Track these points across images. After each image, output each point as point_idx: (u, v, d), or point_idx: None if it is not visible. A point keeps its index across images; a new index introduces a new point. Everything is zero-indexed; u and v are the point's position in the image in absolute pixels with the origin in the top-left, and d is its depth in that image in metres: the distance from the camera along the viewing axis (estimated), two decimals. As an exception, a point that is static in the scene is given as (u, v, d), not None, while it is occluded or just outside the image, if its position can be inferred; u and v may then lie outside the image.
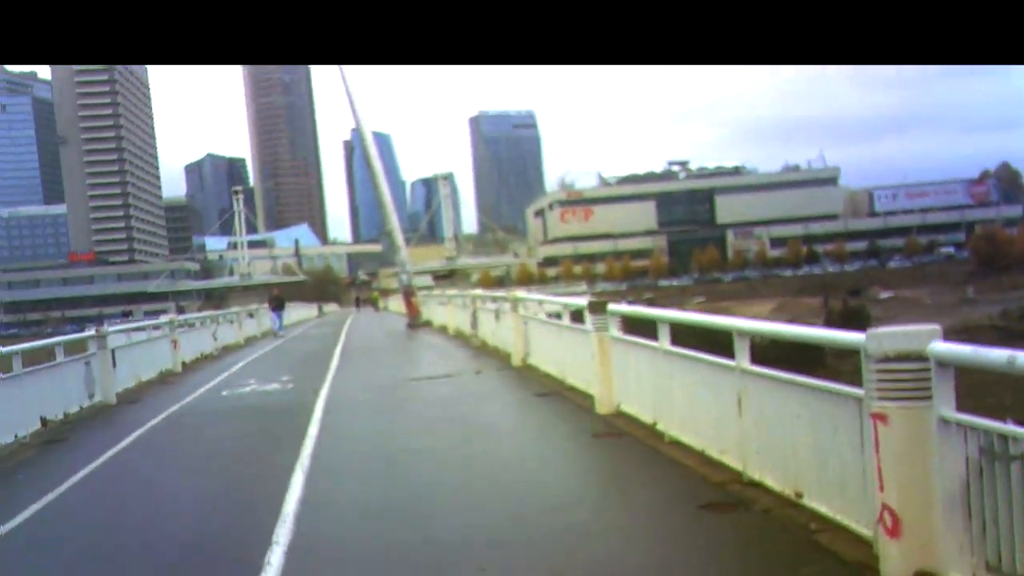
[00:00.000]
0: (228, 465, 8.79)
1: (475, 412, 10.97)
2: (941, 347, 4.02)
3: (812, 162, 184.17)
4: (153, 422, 11.85)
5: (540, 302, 13.67)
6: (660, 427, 8.11)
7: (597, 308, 9.68)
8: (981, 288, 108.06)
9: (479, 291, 20.66)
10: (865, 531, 4.75)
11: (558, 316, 13.37)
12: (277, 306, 33.66)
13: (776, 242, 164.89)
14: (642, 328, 9.32)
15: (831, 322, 70.49)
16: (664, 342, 7.85)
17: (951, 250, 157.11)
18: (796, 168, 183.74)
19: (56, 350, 12.57)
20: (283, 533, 5.95)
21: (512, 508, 6.39)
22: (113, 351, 14.91)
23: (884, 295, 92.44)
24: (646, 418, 8.58)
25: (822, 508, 5.25)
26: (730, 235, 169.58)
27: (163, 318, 19.71)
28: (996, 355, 3.66)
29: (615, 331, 9.48)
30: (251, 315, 33.31)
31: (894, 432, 4.22)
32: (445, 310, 27.54)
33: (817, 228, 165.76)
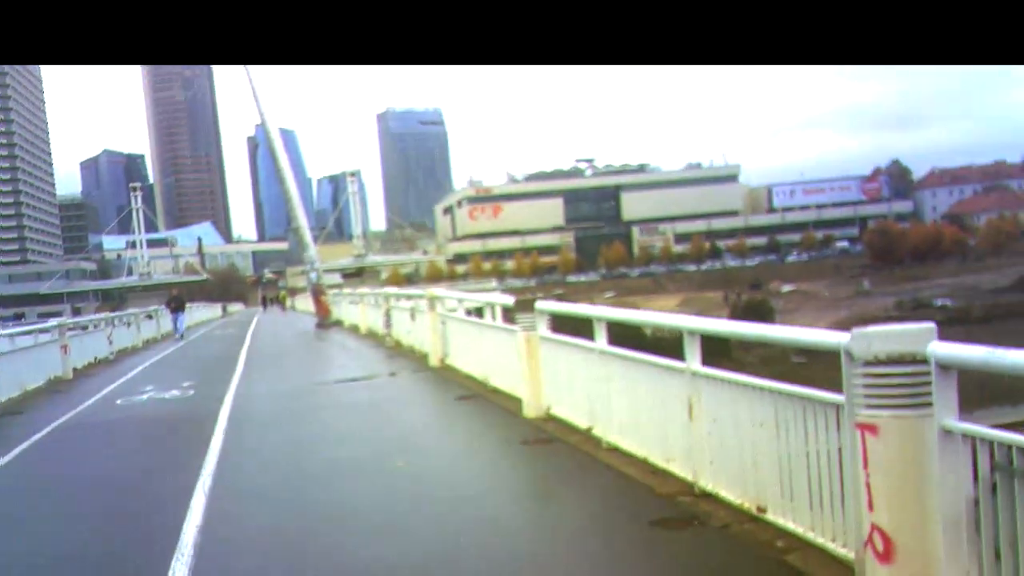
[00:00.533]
0: (121, 486, 7.89)
1: (395, 419, 10.26)
2: (944, 348, 3.54)
3: (713, 160, 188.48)
4: (36, 437, 10.75)
5: (460, 300, 13.00)
6: (597, 432, 7.58)
7: (525, 306, 9.09)
8: (876, 280, 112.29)
9: (392, 289, 19.85)
10: (843, 551, 4.27)
11: (479, 313, 12.77)
12: (176, 307, 31.55)
13: (680, 238, 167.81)
14: (569, 327, 8.82)
15: (736, 316, 71.99)
16: (601, 342, 7.32)
17: (846, 244, 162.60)
18: (698, 166, 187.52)
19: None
20: (181, 570, 5.17)
21: (442, 531, 5.74)
22: (-8, 359, 13.66)
23: (786, 288, 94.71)
24: (580, 422, 8.05)
25: (789, 524, 4.77)
26: (636, 231, 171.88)
27: (52, 321, 18.28)
28: (1013, 358, 3.20)
29: (544, 330, 8.93)
30: (150, 316, 31.67)
31: (887, 444, 3.69)
32: (356, 309, 26.63)
33: (719, 224, 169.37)
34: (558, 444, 7.89)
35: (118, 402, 13.55)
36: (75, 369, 18.74)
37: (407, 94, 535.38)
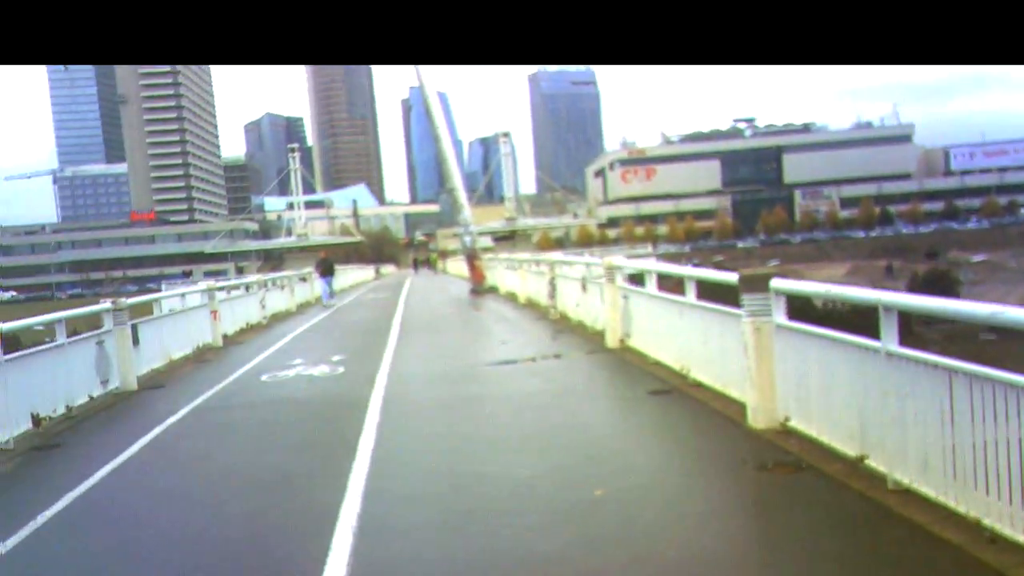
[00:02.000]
0: (251, 497, 6.37)
1: (574, 419, 8.36)
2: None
3: (885, 119, 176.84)
4: (171, 420, 9.51)
5: (647, 273, 10.94)
6: (874, 464, 5.44)
7: (755, 284, 6.95)
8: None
9: (558, 254, 17.96)
10: None
11: (673, 285, 10.69)
12: (325, 271, 29.49)
13: (846, 202, 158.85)
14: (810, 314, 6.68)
15: (915, 288, 66.53)
16: (891, 339, 5.14)
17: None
18: (868, 125, 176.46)
19: (56, 328, 10.26)
20: None
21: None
22: (135, 326, 12.64)
23: (976, 258, 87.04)
24: (842, 446, 5.90)
25: None
26: (798, 195, 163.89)
27: (201, 284, 17.42)
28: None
29: (780, 316, 6.78)
30: (304, 279, 31.03)
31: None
32: (514, 275, 24.95)
33: (890, 188, 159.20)
34: (811, 474, 5.79)
35: (263, 378, 12.27)
36: (225, 336, 17.87)
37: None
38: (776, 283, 6.80)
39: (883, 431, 5.30)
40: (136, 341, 12.50)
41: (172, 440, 8.69)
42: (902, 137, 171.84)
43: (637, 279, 11.74)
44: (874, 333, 5.30)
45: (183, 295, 16.90)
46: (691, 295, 9.02)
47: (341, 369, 12.54)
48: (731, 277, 7.44)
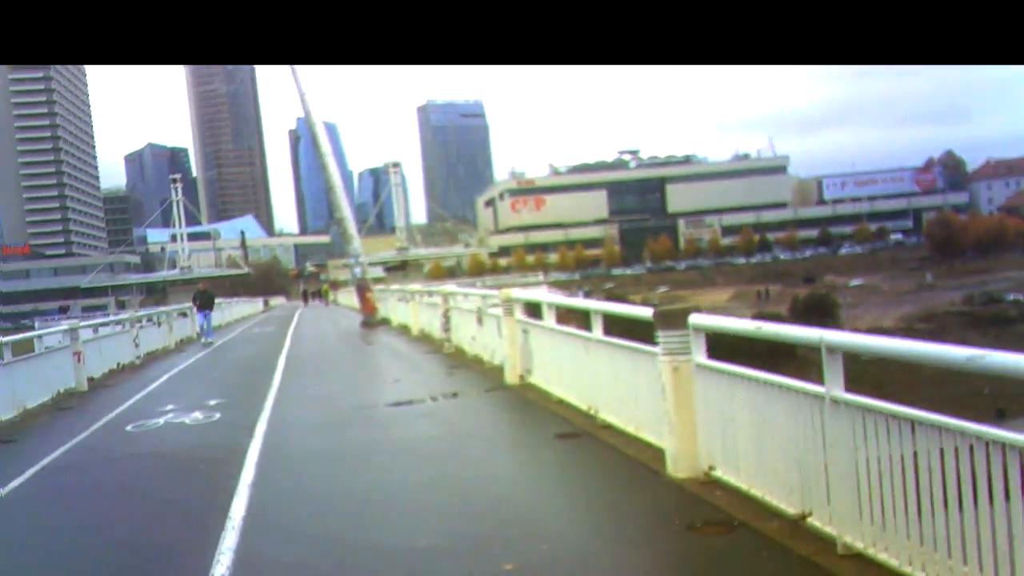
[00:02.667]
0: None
1: (477, 470, 7.55)
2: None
3: (762, 151, 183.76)
4: (13, 484, 8.26)
5: (549, 305, 10.27)
6: (817, 523, 4.85)
7: (672, 320, 6.34)
8: (937, 273, 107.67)
9: (452, 286, 17.20)
10: None
11: (576, 318, 10.06)
12: (204, 304, 26.03)
13: (728, 230, 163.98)
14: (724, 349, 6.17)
15: (797, 313, 68.44)
16: (835, 386, 4.57)
17: (900, 236, 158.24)
18: (746, 157, 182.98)
19: None
20: None
21: None
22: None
23: (855, 282, 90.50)
24: (777, 501, 5.30)
25: None
26: (681, 224, 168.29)
27: (62, 324, 15.84)
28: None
29: (701, 355, 6.18)
30: (184, 314, 29.30)
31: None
32: (406, 307, 24.06)
33: (768, 216, 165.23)
34: (747, 535, 5.15)
35: (128, 428, 11.02)
36: (91, 379, 16.35)
37: (448, 87, 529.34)
38: (696, 319, 6.20)
39: (830, 485, 4.71)
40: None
41: (8, 509, 7.48)
42: (778, 168, 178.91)
43: (536, 311, 11.07)
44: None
45: (39, 336, 15.27)
46: (598, 330, 8.38)
47: (217, 415, 11.41)
48: (644, 312, 6.82)
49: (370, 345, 21.50)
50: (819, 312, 66.03)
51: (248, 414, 11.02)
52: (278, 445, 9.03)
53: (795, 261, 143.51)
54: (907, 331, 55.85)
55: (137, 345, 20.89)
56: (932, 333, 53.37)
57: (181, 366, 19.16)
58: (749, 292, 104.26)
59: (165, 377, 16.91)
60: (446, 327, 16.72)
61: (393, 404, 11.20)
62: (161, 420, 11.36)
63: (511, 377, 11.68)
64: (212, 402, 12.50)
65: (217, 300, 29.32)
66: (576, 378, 9.26)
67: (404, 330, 23.75)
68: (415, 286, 23.04)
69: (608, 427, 8.17)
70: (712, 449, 6.14)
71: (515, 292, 11.99)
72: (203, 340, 25.65)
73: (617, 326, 8.27)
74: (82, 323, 16.05)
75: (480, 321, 13.88)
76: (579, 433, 8.29)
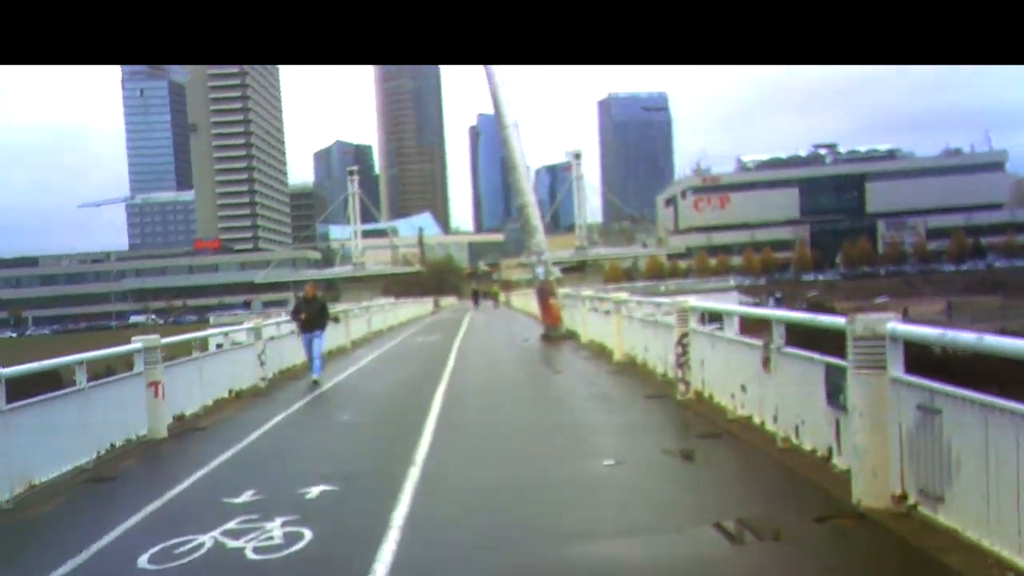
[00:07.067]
0: None
1: None
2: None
3: (976, 145, 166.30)
4: None
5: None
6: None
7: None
8: None
9: (693, 299, 11.30)
10: None
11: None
12: (311, 320, 16.82)
13: (933, 234, 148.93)
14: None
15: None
16: None
17: None
18: (958, 152, 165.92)
19: None
20: None
21: None
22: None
23: None
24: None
25: None
26: (881, 225, 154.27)
27: (133, 343, 11.13)
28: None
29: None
30: (335, 319, 24.61)
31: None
32: (604, 321, 18.47)
33: (981, 218, 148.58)
34: None
35: (144, 563, 5.98)
36: (179, 418, 11.73)
37: (631, 79, 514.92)
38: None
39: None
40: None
41: None
42: (994, 164, 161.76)
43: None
44: None
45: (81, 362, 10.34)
46: None
47: (308, 537, 6.17)
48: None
49: (558, 374, 15.86)
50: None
51: (363, 530, 5.75)
52: None
53: (1014, 269, 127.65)
54: None
55: (262, 363, 16.28)
56: None
57: (304, 400, 14.25)
58: (965, 304, 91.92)
59: (274, 421, 12.03)
60: (682, 361, 10.92)
61: (621, 534, 5.57)
62: (208, 539, 6.25)
63: (870, 491, 5.68)
64: (310, 493, 7.32)
65: (370, 304, 23.99)
66: None
67: (600, 352, 18.12)
68: (621, 295, 17.29)
69: None
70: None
71: (867, 317, 5.98)
72: (312, 378, 16.47)
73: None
74: (160, 341, 11.25)
75: (767, 364, 7.95)
76: None
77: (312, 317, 16.76)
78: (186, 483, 8.23)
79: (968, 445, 4.15)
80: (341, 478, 7.83)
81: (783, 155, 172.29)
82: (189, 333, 14.35)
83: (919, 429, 4.69)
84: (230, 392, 14.56)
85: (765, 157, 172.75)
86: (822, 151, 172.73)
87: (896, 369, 5.04)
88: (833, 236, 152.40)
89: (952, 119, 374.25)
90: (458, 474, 7.94)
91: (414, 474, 7.78)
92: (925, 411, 4.57)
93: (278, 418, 12.21)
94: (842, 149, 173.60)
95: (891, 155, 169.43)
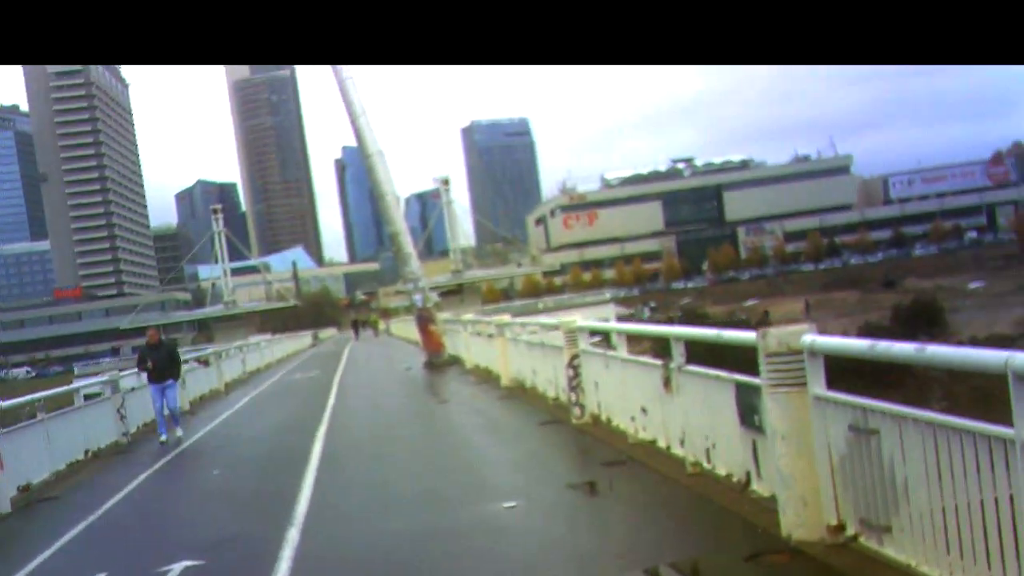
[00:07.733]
0: None
1: None
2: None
3: (822, 151, 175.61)
4: None
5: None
6: None
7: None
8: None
9: (582, 319, 10.81)
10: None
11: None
12: (157, 370, 14.51)
13: (791, 236, 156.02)
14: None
15: (899, 320, 60.93)
16: None
17: (975, 234, 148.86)
18: (806, 159, 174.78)
19: None
20: None
21: None
22: None
23: (973, 285, 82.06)
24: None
25: None
26: (741, 232, 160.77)
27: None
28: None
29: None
30: (204, 362, 23.39)
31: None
32: (488, 345, 17.91)
33: (833, 219, 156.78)
34: None
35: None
36: (24, 488, 10.45)
37: (492, 104, 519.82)
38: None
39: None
40: None
41: None
42: (840, 168, 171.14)
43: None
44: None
45: None
46: None
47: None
48: None
49: (445, 404, 15.19)
50: (926, 322, 58.55)
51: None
52: None
53: (868, 265, 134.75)
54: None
55: (123, 416, 14.95)
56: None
57: (167, 456, 13.11)
58: (826, 301, 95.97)
59: (138, 481, 10.92)
60: (575, 384, 10.43)
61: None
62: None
63: (802, 525, 5.23)
64: (172, 572, 6.40)
65: (244, 342, 22.92)
66: None
67: (487, 377, 17.53)
68: (504, 317, 16.77)
69: None
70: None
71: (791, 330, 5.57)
72: (160, 438, 14.19)
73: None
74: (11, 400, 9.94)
75: (668, 384, 7.49)
76: None
77: (161, 365, 14.50)
78: (28, 567, 7.15)
79: (915, 469, 3.74)
80: (208, 549, 6.93)
81: (644, 171, 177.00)
82: (39, 392, 12.95)
83: (853, 452, 4.28)
84: (86, 452, 13.27)
85: (627, 174, 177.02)
86: (680, 165, 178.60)
87: (818, 386, 4.62)
88: (698, 244, 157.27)
89: (798, 128, 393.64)
90: (343, 534, 7.15)
91: (293, 537, 6.94)
92: (858, 432, 4.16)
93: (140, 479, 11.09)
94: (699, 162, 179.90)
95: (745, 165, 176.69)
